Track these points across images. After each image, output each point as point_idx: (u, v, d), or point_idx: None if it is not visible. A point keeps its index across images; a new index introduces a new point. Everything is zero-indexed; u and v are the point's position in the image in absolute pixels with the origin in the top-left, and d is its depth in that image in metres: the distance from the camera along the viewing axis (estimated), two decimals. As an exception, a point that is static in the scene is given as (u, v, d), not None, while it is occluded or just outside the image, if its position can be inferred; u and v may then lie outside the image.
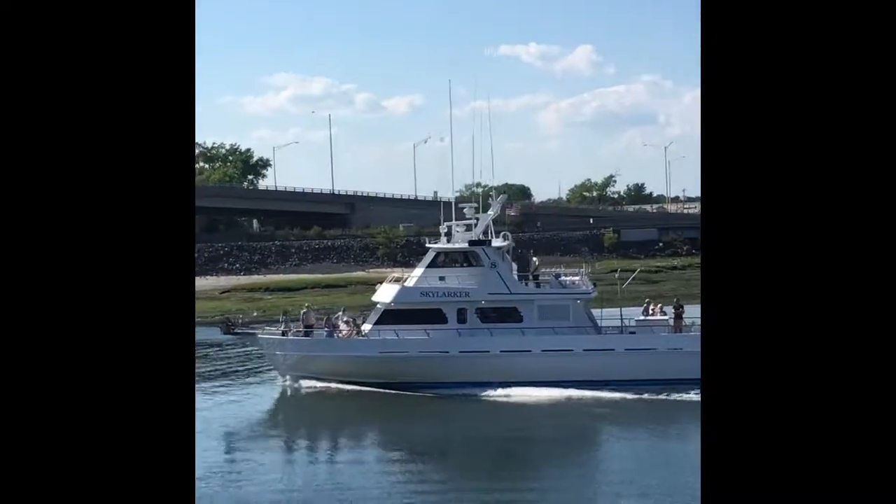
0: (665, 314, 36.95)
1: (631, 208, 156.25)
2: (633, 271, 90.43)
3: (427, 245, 38.32)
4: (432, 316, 35.65)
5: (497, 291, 35.78)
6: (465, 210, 37.96)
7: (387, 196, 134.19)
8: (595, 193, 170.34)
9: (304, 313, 38.00)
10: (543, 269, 40.19)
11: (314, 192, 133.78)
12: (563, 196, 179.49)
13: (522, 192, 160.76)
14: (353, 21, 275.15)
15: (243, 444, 29.20)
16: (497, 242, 37.23)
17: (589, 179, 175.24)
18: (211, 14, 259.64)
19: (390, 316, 35.95)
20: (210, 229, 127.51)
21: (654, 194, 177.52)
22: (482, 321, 35.79)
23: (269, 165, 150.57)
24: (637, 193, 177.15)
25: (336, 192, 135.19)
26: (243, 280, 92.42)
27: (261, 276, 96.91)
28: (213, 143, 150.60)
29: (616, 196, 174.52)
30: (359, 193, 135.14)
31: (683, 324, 36.36)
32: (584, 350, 35.08)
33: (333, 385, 36.07)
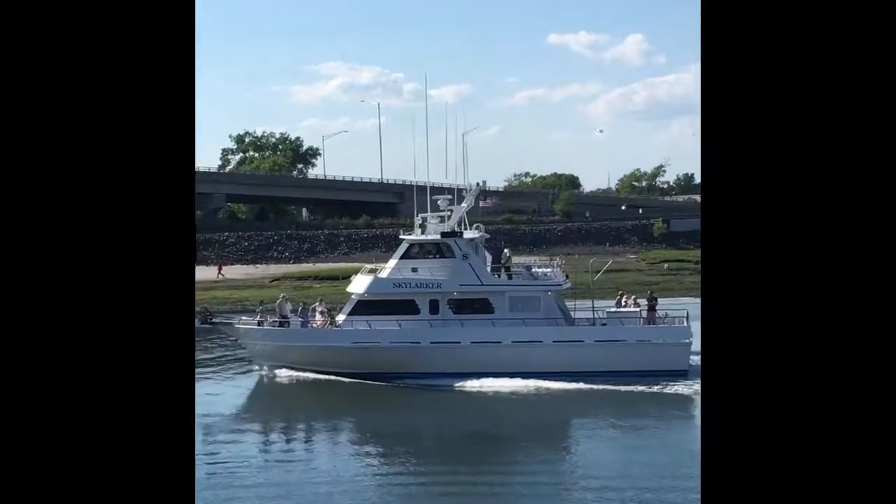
0: (638, 306, 36.77)
1: (681, 198, 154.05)
2: (682, 261, 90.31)
3: (401, 236, 38.58)
4: (405, 307, 35.85)
5: (468, 283, 35.83)
6: (438, 201, 38.11)
7: (436, 186, 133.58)
8: (644, 183, 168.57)
9: (278, 303, 38.49)
10: (515, 261, 40.22)
11: (363, 181, 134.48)
12: (613, 186, 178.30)
13: (571, 182, 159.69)
14: (401, 10, 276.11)
15: (223, 430, 29.58)
16: (469, 234, 37.28)
17: (638, 169, 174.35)
18: (258, 3, 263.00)
19: (363, 307, 36.24)
20: (260, 218, 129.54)
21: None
22: (454, 312, 35.92)
23: (319, 154, 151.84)
24: (687, 183, 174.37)
25: (385, 182, 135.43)
26: (292, 268, 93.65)
27: (310, 265, 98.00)
28: (263, 132, 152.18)
29: (665, 186, 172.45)
30: (408, 183, 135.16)
31: (657, 316, 36.22)
32: (554, 341, 35.05)
33: (308, 375, 36.47)
